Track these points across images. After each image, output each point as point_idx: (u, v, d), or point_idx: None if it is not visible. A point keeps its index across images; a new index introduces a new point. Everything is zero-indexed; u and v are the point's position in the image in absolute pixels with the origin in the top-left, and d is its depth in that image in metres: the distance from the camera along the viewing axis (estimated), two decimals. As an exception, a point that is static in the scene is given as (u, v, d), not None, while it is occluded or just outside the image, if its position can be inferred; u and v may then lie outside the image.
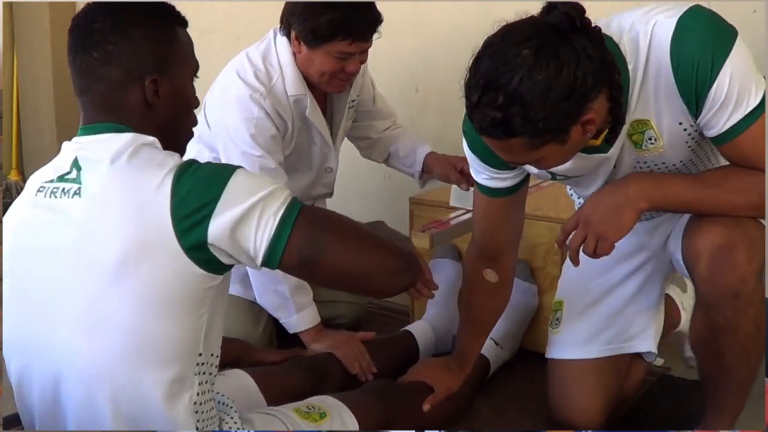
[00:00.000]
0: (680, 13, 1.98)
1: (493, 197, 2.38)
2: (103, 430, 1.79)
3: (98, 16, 1.87)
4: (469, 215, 2.89)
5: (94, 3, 1.91)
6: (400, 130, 3.34)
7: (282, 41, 2.92)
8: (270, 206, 1.77)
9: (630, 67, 2.00)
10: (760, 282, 2.08)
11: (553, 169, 2.19)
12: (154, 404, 1.77)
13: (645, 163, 2.18)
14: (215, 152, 2.93)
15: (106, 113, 1.85)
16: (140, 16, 1.89)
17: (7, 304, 1.88)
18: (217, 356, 1.89)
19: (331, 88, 2.95)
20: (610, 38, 1.98)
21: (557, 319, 2.60)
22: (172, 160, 1.80)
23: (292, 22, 2.84)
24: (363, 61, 2.94)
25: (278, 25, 2.93)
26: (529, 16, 1.91)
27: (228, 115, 2.83)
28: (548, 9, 1.89)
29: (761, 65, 2.09)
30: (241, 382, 2.33)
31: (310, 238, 1.79)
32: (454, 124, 3.79)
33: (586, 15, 1.89)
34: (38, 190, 1.85)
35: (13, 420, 2.20)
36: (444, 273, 3.10)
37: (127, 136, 1.81)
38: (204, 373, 1.85)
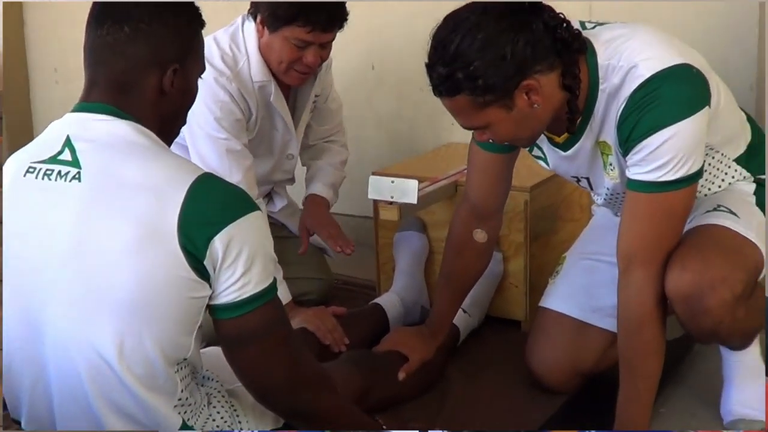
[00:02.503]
0: (661, 67, 2.06)
1: (493, 152, 2.48)
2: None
3: None
4: (434, 186, 2.95)
5: None
6: (328, 149, 3.34)
7: (249, 27, 2.93)
8: (257, 267, 1.81)
9: (601, 88, 2.14)
10: (740, 310, 2.15)
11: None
12: (141, 394, 1.78)
13: (608, 189, 2.36)
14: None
15: (114, 93, 1.84)
16: (177, 5, 1.91)
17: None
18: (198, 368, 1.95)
19: (289, 79, 2.95)
20: (594, 52, 2.13)
21: (557, 272, 2.70)
22: (188, 163, 1.86)
23: (259, 5, 2.86)
24: (324, 57, 2.93)
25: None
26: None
27: None
28: None
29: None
30: (220, 357, 2.35)
31: (258, 327, 1.84)
32: (410, 100, 3.88)
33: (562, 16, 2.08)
34: (27, 171, 1.83)
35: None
36: (410, 245, 3.16)
37: (131, 124, 1.82)
38: (184, 378, 1.87)
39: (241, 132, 2.92)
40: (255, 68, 2.93)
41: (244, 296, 1.80)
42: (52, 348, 1.80)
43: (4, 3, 4.73)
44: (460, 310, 2.85)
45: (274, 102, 2.99)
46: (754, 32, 3.01)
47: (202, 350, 1.98)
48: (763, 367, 2.38)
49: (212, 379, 2.04)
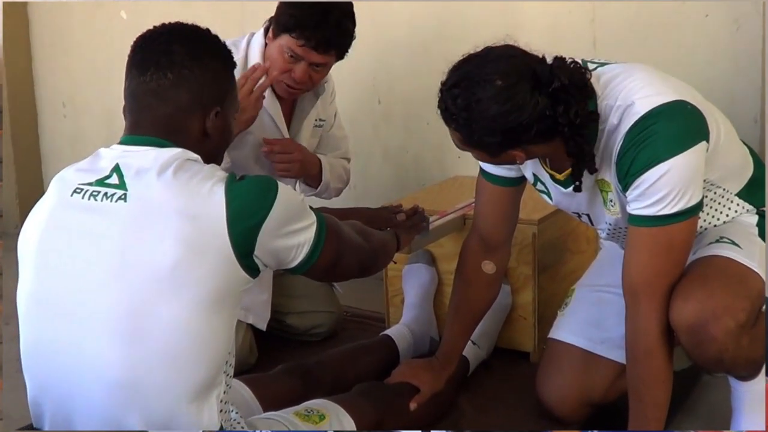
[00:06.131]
0: (656, 104, 2.12)
1: (501, 186, 2.55)
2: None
3: (177, 38, 1.96)
4: (443, 220, 2.98)
5: (169, 26, 2.00)
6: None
7: (258, 34, 3.02)
8: (305, 221, 1.98)
9: (600, 128, 2.20)
10: (744, 338, 2.17)
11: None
12: (184, 405, 1.82)
13: (609, 224, 2.41)
14: None
15: (162, 133, 1.92)
16: (215, 49, 2.01)
17: (27, 311, 1.91)
18: (234, 355, 1.98)
19: (278, 89, 3.01)
20: (594, 94, 2.18)
21: (566, 304, 2.73)
22: (217, 170, 1.90)
23: (275, 14, 2.93)
24: (314, 78, 2.97)
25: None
26: (533, 52, 2.14)
27: None
28: (554, 60, 2.12)
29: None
30: (236, 389, 2.39)
31: (333, 251, 2.06)
32: (417, 134, 3.92)
33: (587, 78, 2.14)
34: (75, 192, 1.88)
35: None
36: (418, 277, 3.19)
37: (175, 150, 1.88)
38: (228, 373, 1.93)
39: None
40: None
41: (309, 249, 1.99)
42: (82, 363, 1.83)
43: (4, 3, 4.76)
44: (469, 341, 2.87)
45: (266, 104, 3.01)
46: (759, 63, 3.05)
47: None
48: None
49: (232, 411, 2.07)
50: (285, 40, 2.87)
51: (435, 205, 3.15)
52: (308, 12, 2.82)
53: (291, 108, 3.16)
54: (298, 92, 3.04)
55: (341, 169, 3.31)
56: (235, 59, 2.88)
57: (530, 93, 2.06)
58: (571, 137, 2.12)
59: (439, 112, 2.18)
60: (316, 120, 3.21)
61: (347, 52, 2.95)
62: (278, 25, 2.89)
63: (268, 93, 3.00)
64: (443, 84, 2.15)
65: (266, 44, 2.99)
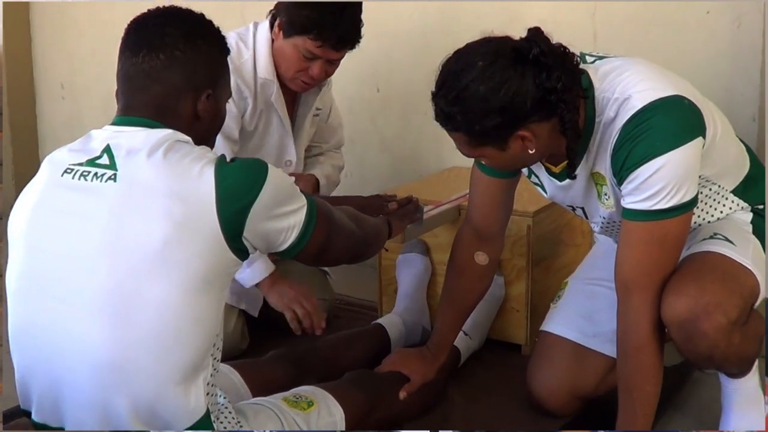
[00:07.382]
0: (654, 98, 2.12)
1: (495, 177, 2.53)
2: (117, 429, 1.83)
3: (171, 21, 1.96)
4: (438, 210, 2.98)
5: (163, 9, 2.00)
6: (326, 154, 3.39)
7: (263, 27, 3.00)
8: (295, 204, 1.96)
9: (597, 120, 2.20)
10: (735, 335, 2.16)
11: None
12: (171, 387, 1.82)
13: (603, 218, 2.41)
14: None
15: (153, 114, 1.92)
16: (208, 33, 2.01)
17: (16, 291, 1.90)
18: (222, 339, 1.98)
19: (293, 85, 3.01)
20: (591, 85, 2.19)
21: (559, 297, 2.73)
22: (207, 152, 1.90)
23: (281, 10, 2.92)
24: (330, 72, 2.99)
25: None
26: (506, 35, 2.14)
27: None
28: (528, 35, 2.11)
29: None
30: (226, 375, 2.39)
31: (324, 235, 2.05)
32: (414, 123, 3.91)
33: (567, 49, 2.15)
34: (65, 172, 1.88)
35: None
36: (412, 267, 3.18)
37: (165, 131, 1.88)
38: (215, 356, 1.93)
39: (232, 122, 2.95)
40: (262, 65, 2.99)
41: (299, 232, 1.97)
42: (69, 345, 1.83)
43: (5, 3, 4.75)
44: (461, 332, 2.87)
45: (275, 101, 3.03)
46: (759, 62, 3.04)
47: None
48: (761, 395, 2.40)
49: (220, 396, 2.07)
50: (301, 41, 2.87)
51: (431, 196, 3.14)
52: (324, 12, 2.82)
53: (293, 100, 3.16)
54: (313, 86, 3.06)
55: (335, 172, 3.35)
56: (245, 57, 2.94)
57: (512, 66, 2.06)
58: (558, 105, 2.10)
59: (439, 123, 2.18)
60: (314, 109, 3.22)
61: (359, 43, 2.95)
62: (291, 25, 2.87)
63: (275, 87, 3.01)
64: (433, 93, 2.16)
65: (273, 39, 2.98)
